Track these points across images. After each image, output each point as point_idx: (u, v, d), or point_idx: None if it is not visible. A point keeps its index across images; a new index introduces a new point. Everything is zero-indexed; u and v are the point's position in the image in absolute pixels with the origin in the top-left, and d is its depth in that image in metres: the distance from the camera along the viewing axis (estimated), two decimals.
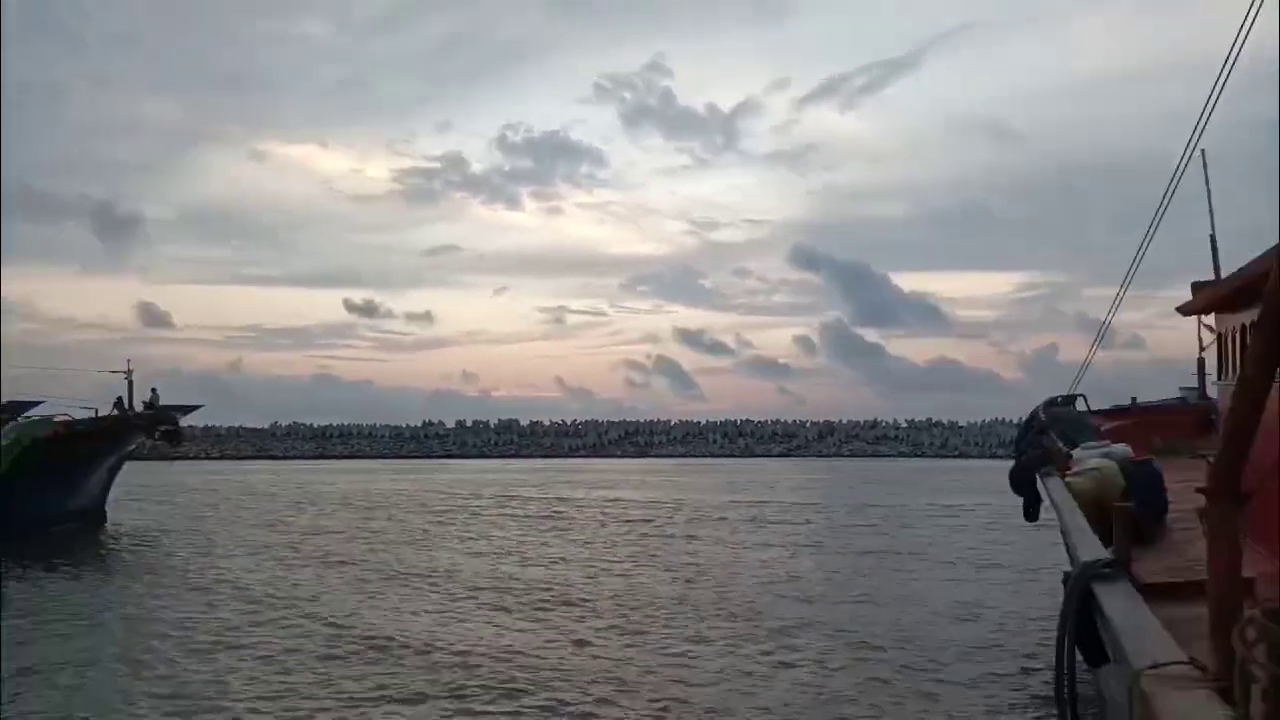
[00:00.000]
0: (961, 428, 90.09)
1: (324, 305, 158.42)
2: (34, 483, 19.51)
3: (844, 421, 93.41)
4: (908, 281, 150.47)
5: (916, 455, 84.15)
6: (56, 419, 22.08)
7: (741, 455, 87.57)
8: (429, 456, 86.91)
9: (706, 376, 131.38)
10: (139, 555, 17.84)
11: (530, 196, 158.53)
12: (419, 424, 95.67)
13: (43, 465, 19.64)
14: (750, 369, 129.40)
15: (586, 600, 11.79)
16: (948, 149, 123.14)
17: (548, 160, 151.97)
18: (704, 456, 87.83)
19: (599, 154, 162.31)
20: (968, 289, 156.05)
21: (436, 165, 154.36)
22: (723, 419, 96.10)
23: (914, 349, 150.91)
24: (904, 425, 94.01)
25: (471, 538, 19.94)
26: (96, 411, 23.64)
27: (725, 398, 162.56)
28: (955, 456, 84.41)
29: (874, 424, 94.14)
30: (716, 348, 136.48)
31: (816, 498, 33.24)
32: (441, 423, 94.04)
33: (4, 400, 24.80)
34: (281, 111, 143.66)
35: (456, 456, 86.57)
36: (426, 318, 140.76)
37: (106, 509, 25.05)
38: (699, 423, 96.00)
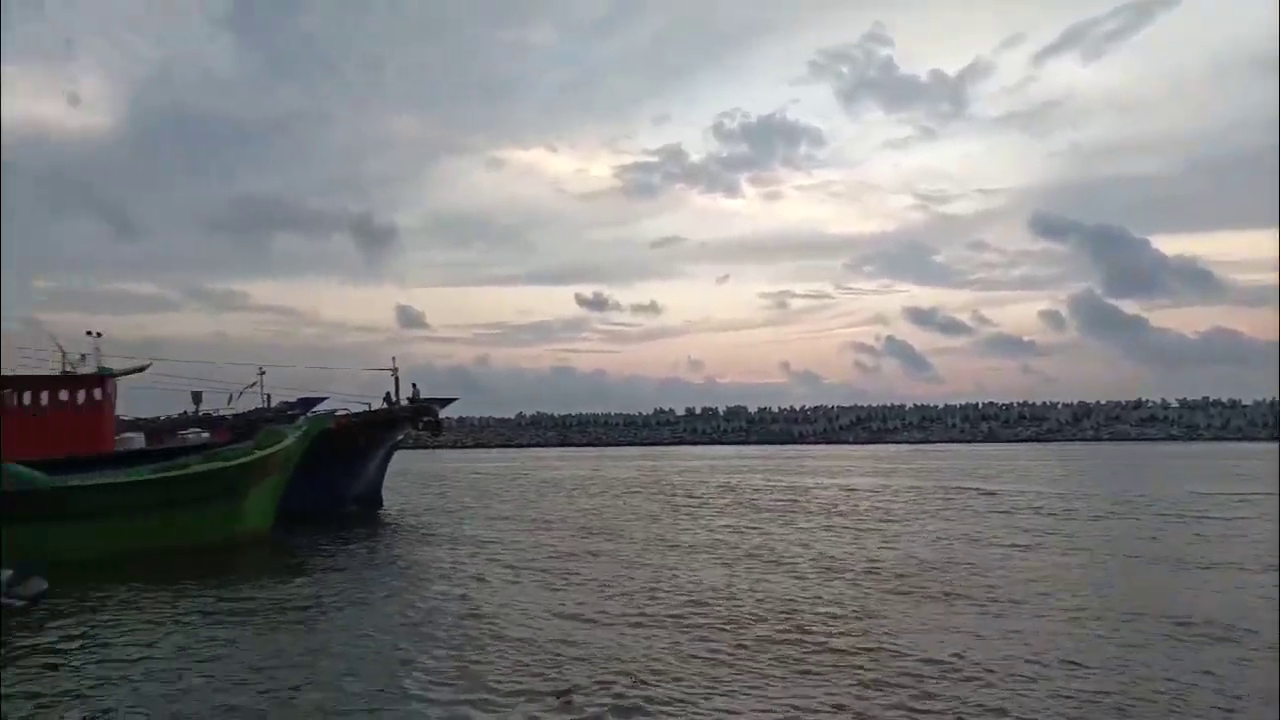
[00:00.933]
0: (1245, 407, 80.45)
1: (559, 301, 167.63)
2: (322, 471, 22.05)
3: (1102, 402, 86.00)
4: (1172, 245, 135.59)
5: (1191, 439, 75.94)
6: (337, 413, 24.83)
7: (984, 440, 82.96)
8: (660, 443, 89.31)
9: (941, 357, 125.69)
10: (412, 535, 19.70)
11: (748, 182, 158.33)
12: (650, 412, 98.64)
13: (328, 455, 22.13)
14: (990, 348, 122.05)
15: (826, 600, 11.68)
16: (1218, 92, 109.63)
17: (764, 144, 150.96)
18: (943, 442, 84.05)
19: (816, 133, 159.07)
20: (1247, 249, 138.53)
21: (655, 159, 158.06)
22: (962, 402, 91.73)
23: (1182, 320, 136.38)
24: (1174, 405, 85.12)
25: (705, 526, 20.27)
26: (370, 405, 26.34)
27: (963, 379, 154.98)
28: (1237, 439, 75.32)
29: (1138, 404, 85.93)
30: (951, 327, 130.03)
31: (1073, 487, 30.83)
32: (671, 410, 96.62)
33: (295, 398, 28.36)
34: (515, 119, 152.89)
35: (687, 442, 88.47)
36: (652, 308, 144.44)
37: (382, 494, 27.94)
38: (936, 406, 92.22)
